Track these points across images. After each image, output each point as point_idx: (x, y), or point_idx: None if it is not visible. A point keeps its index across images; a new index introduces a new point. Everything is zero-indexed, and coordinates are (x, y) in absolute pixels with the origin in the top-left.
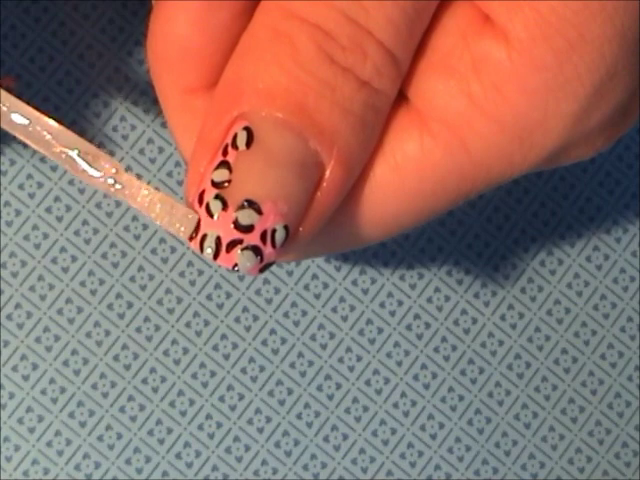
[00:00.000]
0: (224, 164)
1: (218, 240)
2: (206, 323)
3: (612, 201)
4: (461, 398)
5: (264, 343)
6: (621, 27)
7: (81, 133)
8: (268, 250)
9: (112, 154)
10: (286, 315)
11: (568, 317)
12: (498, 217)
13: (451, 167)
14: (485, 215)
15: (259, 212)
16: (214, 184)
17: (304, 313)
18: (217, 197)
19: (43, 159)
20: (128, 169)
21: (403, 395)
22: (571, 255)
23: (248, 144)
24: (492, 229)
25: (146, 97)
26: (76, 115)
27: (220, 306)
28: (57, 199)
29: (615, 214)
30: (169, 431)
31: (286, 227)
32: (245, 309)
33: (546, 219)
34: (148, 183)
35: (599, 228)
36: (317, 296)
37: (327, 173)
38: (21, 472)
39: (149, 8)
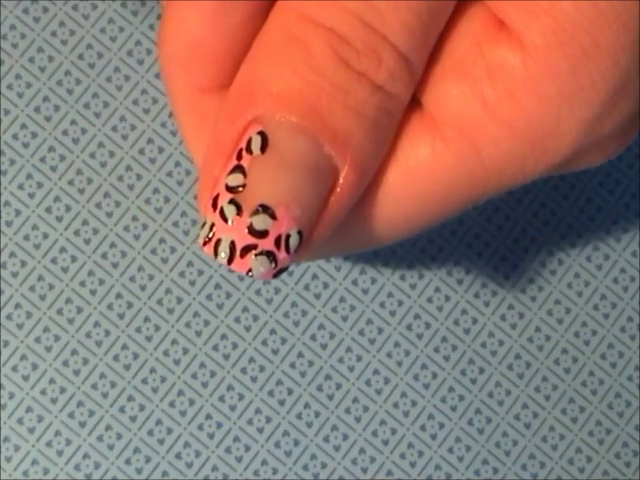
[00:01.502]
0: (238, 168)
1: (232, 245)
2: (206, 323)
3: (612, 201)
4: (461, 398)
5: (264, 343)
6: (635, 35)
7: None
8: (282, 255)
9: (112, 154)
10: (286, 315)
11: (568, 317)
12: (498, 217)
13: (462, 171)
14: (485, 215)
15: (273, 217)
16: (228, 188)
17: (304, 313)
18: (231, 202)
19: (43, 159)
20: (128, 169)
21: (403, 395)
22: (571, 255)
23: (263, 149)
24: (492, 229)
25: (146, 97)
26: (76, 115)
27: (220, 306)
28: (57, 199)
29: (615, 214)
30: (169, 431)
31: (300, 232)
32: (245, 309)
33: (546, 219)
34: (148, 183)
35: (599, 228)
36: (317, 296)
37: (341, 178)
38: (21, 472)
39: (149, 8)
